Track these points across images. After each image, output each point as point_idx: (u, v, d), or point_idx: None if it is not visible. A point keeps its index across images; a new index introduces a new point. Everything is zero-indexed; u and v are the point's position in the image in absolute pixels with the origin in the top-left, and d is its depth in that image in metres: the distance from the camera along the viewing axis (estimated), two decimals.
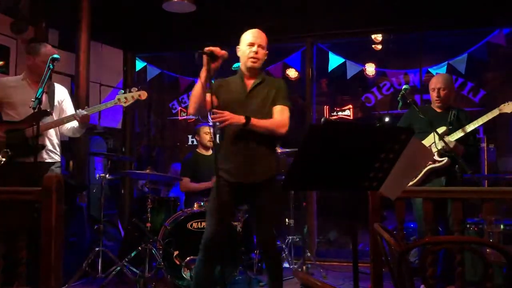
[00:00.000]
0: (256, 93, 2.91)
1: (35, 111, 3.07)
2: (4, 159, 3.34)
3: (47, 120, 3.45)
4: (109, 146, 5.93)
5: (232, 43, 2.91)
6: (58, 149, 3.62)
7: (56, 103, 3.58)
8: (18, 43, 4.76)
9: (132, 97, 3.52)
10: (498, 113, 3.48)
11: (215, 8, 5.31)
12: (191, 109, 2.84)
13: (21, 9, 4.73)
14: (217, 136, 3.07)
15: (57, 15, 4.99)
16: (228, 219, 3.06)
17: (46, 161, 3.49)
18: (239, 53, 2.98)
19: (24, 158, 3.33)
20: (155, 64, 6.50)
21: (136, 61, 6.23)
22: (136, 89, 3.55)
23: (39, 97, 3.07)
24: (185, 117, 7.37)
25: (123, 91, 3.57)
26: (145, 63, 6.37)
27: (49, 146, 3.53)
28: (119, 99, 3.51)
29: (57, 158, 3.61)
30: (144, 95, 3.54)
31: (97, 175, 4.40)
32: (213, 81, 2.79)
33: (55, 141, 3.60)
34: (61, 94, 3.67)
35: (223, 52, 2.71)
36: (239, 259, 3.81)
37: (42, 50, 3.46)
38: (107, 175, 4.34)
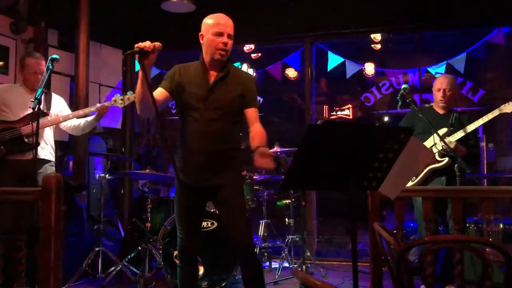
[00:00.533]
0: (219, 88, 2.61)
1: (34, 111, 3.10)
2: None
3: (44, 120, 3.53)
4: (109, 146, 5.93)
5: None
6: (53, 149, 3.73)
7: (52, 111, 3.70)
8: (18, 43, 4.76)
9: (128, 98, 3.63)
10: (498, 113, 3.49)
11: (214, 8, 5.29)
12: (138, 111, 2.64)
13: (20, 9, 4.73)
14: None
15: (57, 15, 4.98)
16: (198, 223, 2.80)
17: (41, 157, 3.57)
18: (202, 41, 2.66)
19: (18, 155, 3.43)
20: (155, 64, 6.44)
21: (136, 61, 6.22)
22: (132, 92, 3.62)
23: (39, 97, 3.10)
24: None
25: (119, 95, 3.72)
26: None
27: (44, 145, 3.62)
28: (115, 100, 3.64)
29: (52, 157, 3.71)
30: None
31: (97, 175, 4.41)
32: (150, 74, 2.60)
33: (51, 142, 3.71)
34: (59, 106, 3.80)
35: (155, 44, 2.50)
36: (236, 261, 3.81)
37: (27, 62, 3.59)
38: (107, 175, 4.35)
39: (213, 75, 2.63)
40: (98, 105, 3.62)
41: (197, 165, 2.60)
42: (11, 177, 3.37)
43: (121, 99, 3.63)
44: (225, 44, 2.58)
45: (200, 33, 2.68)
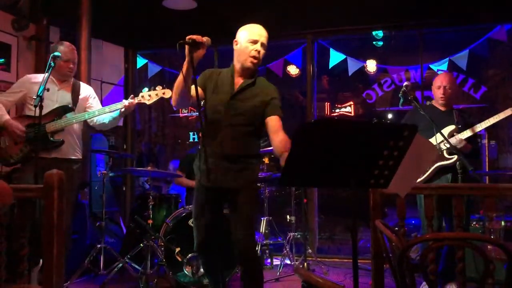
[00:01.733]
0: (243, 96, 2.66)
1: (40, 105, 3.08)
2: (21, 154, 3.38)
3: (69, 116, 3.49)
4: (111, 143, 5.94)
5: (232, 39, 2.85)
6: (78, 146, 3.64)
7: (80, 100, 3.62)
8: (20, 40, 4.77)
9: (156, 94, 3.48)
10: (510, 113, 3.48)
11: (216, 5, 5.29)
12: (173, 101, 2.67)
13: (22, 7, 4.73)
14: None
15: (58, 13, 4.99)
16: (213, 220, 2.77)
17: (67, 157, 3.51)
18: (236, 47, 2.72)
19: (43, 153, 3.35)
20: (156, 61, 6.50)
21: (137, 58, 6.23)
22: (161, 87, 3.50)
23: (40, 94, 3.09)
24: (186, 114, 7.38)
25: (147, 89, 3.57)
26: (146, 60, 6.37)
27: (71, 142, 3.56)
28: (142, 96, 3.49)
29: (79, 155, 3.63)
30: (168, 93, 3.46)
31: (99, 172, 4.41)
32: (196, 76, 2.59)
33: (76, 137, 3.62)
34: (86, 91, 3.71)
35: (205, 38, 2.52)
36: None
37: (60, 50, 3.46)
38: (109, 172, 4.35)
39: (239, 81, 2.70)
40: (126, 102, 3.47)
41: (214, 166, 2.63)
42: (34, 174, 3.19)
43: (149, 95, 3.47)
44: (258, 52, 2.65)
45: (234, 39, 2.75)
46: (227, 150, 2.63)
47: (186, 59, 2.49)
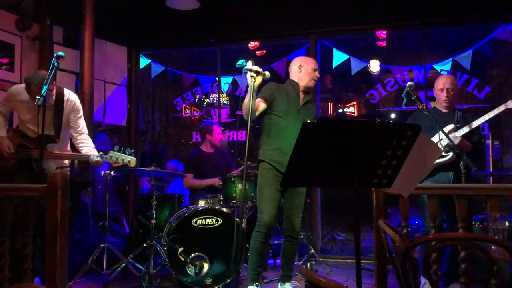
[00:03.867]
0: (305, 108, 3.51)
1: (42, 105, 3.06)
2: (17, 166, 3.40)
3: (52, 146, 3.49)
4: (114, 143, 5.95)
5: (235, 39, 2.90)
6: (66, 151, 3.67)
7: (64, 118, 3.58)
8: (23, 40, 4.78)
9: (123, 160, 3.56)
10: (504, 108, 3.48)
11: (219, 5, 5.30)
12: (244, 115, 3.27)
13: (25, 7, 4.75)
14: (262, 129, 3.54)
15: (62, 13, 5.00)
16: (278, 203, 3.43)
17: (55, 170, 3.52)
18: (301, 70, 3.51)
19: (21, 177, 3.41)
20: (159, 61, 6.51)
21: (141, 58, 6.24)
22: (130, 151, 3.61)
23: (44, 94, 3.07)
24: (189, 114, 7.38)
25: (116, 149, 3.59)
26: (149, 60, 6.38)
27: (56, 161, 3.57)
28: (111, 157, 3.54)
29: (66, 162, 3.68)
30: (133, 162, 3.59)
31: (102, 172, 4.41)
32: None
33: (64, 147, 3.65)
34: (69, 107, 3.61)
35: (266, 72, 3.25)
36: (243, 256, 3.82)
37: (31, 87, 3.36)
38: (112, 172, 4.36)
39: (302, 96, 3.52)
40: (95, 158, 3.49)
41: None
42: (29, 177, 3.36)
43: (116, 157, 3.56)
44: (317, 77, 3.58)
45: (299, 64, 3.56)
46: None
47: (253, 85, 3.15)
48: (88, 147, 3.61)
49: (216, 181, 4.57)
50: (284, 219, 3.53)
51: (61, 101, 3.55)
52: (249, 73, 3.13)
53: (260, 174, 3.44)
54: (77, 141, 3.64)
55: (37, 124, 3.16)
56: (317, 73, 3.55)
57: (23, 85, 3.47)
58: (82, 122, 3.68)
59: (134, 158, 3.60)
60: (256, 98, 3.28)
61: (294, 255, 3.64)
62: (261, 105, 3.37)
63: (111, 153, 3.55)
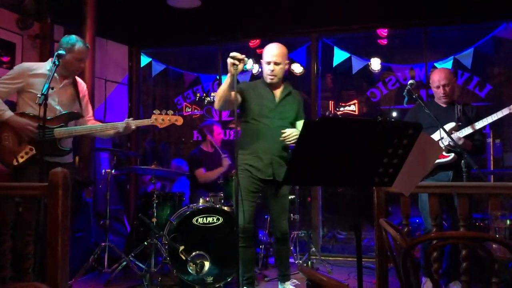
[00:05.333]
0: (284, 104, 3.37)
1: (42, 105, 2.86)
2: (26, 156, 3.18)
3: (78, 122, 3.44)
4: (115, 141, 5.95)
5: (236, 38, 2.91)
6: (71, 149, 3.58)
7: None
8: (24, 39, 4.78)
9: (169, 120, 3.55)
10: (508, 112, 3.45)
11: (220, 3, 5.30)
12: (215, 105, 3.26)
13: (27, 5, 4.74)
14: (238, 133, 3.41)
15: (63, 11, 4.99)
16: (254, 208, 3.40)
17: (67, 162, 3.41)
18: (263, 65, 3.38)
19: (47, 157, 3.16)
20: (160, 59, 6.50)
21: (141, 56, 6.24)
22: (172, 112, 3.57)
23: (45, 93, 2.88)
24: (190, 112, 7.38)
25: (159, 111, 3.57)
26: (150, 59, 6.37)
27: (71, 148, 3.48)
28: (156, 119, 3.52)
29: (72, 159, 3.61)
30: (180, 121, 3.61)
31: (103, 171, 4.41)
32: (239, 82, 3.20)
33: (71, 141, 3.57)
34: (83, 90, 3.58)
35: (243, 56, 3.08)
36: None
37: (77, 47, 3.37)
38: (113, 171, 4.36)
39: (277, 92, 3.39)
40: (126, 123, 3.41)
41: (269, 162, 3.32)
42: (40, 178, 2.94)
43: (162, 119, 3.52)
44: (272, 70, 3.32)
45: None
46: (274, 148, 3.32)
47: (231, 73, 3.05)
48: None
49: (225, 163, 4.74)
50: (272, 223, 3.58)
51: (75, 83, 3.47)
52: (231, 60, 3.02)
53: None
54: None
55: (57, 101, 3.26)
56: (271, 67, 3.30)
57: (40, 63, 3.39)
58: (90, 107, 3.65)
59: (179, 117, 3.58)
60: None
61: (288, 255, 3.61)
62: (238, 98, 3.26)
63: (155, 116, 3.51)
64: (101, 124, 3.55)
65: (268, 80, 3.33)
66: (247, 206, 3.25)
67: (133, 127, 3.46)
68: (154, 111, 3.55)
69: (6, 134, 3.20)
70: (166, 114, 3.54)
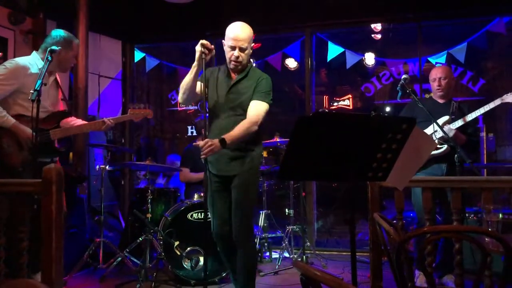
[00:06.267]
0: (238, 89, 2.89)
1: (36, 101, 2.78)
2: (27, 163, 3.11)
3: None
4: (109, 137, 5.93)
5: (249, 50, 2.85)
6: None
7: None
8: (16, 34, 4.74)
9: (142, 114, 3.66)
10: (500, 102, 3.48)
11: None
12: (180, 99, 2.97)
13: (18, 0, 4.70)
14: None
15: (55, 6, 4.96)
16: (225, 209, 2.93)
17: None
18: (224, 48, 2.93)
19: (42, 158, 3.11)
20: (154, 54, 6.48)
21: (135, 51, 6.21)
22: (143, 105, 3.74)
23: (38, 89, 2.81)
24: (184, 108, 7.36)
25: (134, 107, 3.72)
26: (144, 54, 6.35)
27: (64, 149, 3.53)
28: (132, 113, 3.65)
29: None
30: (150, 114, 3.73)
31: (97, 167, 4.40)
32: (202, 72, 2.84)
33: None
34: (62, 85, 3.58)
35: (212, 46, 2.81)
36: None
37: (74, 44, 3.36)
38: (107, 166, 4.35)
39: (234, 76, 2.93)
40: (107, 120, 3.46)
41: (219, 156, 2.84)
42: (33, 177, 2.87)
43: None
44: (237, 57, 2.85)
45: (223, 40, 2.94)
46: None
47: (198, 61, 2.77)
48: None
49: None
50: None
51: (56, 79, 3.44)
52: (202, 49, 2.73)
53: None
54: None
55: (48, 99, 3.21)
56: (236, 53, 2.83)
57: (28, 57, 3.29)
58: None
59: (150, 110, 3.73)
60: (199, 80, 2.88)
61: (245, 264, 2.91)
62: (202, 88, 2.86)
63: (131, 111, 3.67)
64: (86, 122, 3.55)
65: (232, 66, 2.89)
66: (212, 209, 2.93)
67: (110, 122, 3.48)
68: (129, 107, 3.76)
69: (6, 140, 3.12)
70: (139, 108, 3.67)
